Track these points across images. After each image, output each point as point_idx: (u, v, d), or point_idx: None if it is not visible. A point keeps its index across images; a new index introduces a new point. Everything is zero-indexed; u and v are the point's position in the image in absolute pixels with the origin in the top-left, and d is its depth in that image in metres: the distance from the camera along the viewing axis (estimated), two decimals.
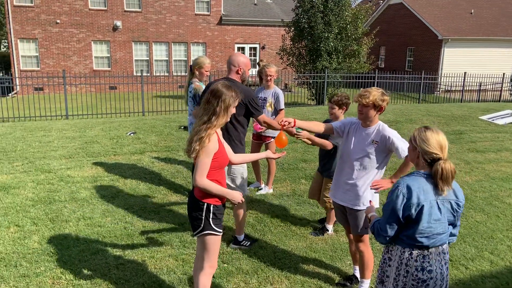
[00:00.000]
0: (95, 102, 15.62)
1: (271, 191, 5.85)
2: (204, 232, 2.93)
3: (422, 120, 10.39)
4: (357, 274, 3.80)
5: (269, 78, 5.51)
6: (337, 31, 17.30)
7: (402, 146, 3.24)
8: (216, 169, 2.90)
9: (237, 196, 2.98)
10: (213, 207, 2.93)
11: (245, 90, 3.99)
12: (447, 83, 20.29)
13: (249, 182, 6.14)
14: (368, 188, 3.39)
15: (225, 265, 4.01)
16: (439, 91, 21.64)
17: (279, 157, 3.38)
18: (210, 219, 2.92)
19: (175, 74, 23.73)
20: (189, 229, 4.64)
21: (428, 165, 2.44)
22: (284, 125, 3.40)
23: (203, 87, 4.82)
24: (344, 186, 3.47)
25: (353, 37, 17.99)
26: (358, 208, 3.42)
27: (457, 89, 19.51)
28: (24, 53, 22.19)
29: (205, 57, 5.05)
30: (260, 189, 5.85)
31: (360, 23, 18.40)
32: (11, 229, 4.47)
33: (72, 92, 20.11)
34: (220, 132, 3.03)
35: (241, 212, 4.29)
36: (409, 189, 2.39)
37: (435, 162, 2.40)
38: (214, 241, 2.97)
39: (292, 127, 3.44)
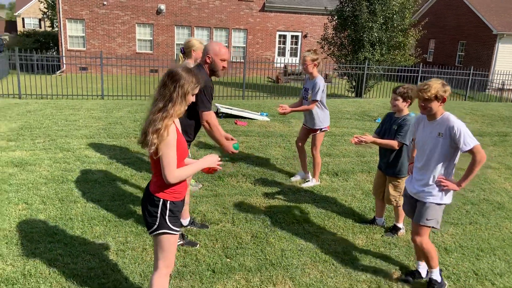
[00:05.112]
0: (133, 84, 15.81)
1: (318, 183, 5.64)
2: (160, 231, 2.65)
3: (464, 119, 9.70)
4: (421, 270, 3.70)
5: (304, 66, 5.28)
6: (382, 21, 16.52)
7: (466, 138, 3.10)
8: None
9: (213, 159, 2.74)
10: (169, 203, 2.64)
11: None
12: (499, 81, 19.00)
13: (293, 173, 5.93)
14: (441, 184, 3.30)
15: (228, 260, 3.81)
16: (490, 89, 20.34)
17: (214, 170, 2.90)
18: (166, 217, 2.63)
19: None
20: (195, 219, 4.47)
21: None
22: (357, 143, 3.97)
23: None
24: (416, 181, 3.46)
25: (399, 28, 17.12)
26: (428, 201, 3.36)
27: (510, 88, 18.24)
28: (72, 33, 22.82)
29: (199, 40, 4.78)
30: (308, 181, 5.63)
31: (408, 13, 17.46)
32: (20, 206, 4.47)
33: (113, 73, 20.53)
34: (177, 121, 2.70)
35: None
36: None
37: None
38: (171, 241, 2.69)
39: (366, 142, 3.99)
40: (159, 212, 2.61)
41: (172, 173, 2.51)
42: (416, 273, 3.71)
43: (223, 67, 3.83)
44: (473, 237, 4.50)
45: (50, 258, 3.62)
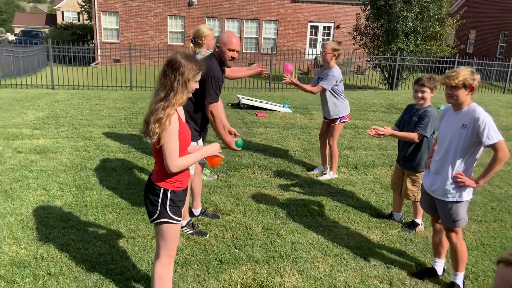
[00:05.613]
0: None
1: (336, 175, 5.53)
2: (160, 220, 2.64)
3: (499, 112, 9.25)
4: (437, 267, 3.56)
5: (323, 54, 5.14)
6: (417, 10, 15.94)
7: (491, 132, 2.93)
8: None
9: (215, 148, 2.70)
10: (170, 192, 2.62)
11: (207, 67, 3.57)
12: None
13: (314, 166, 5.85)
14: (457, 179, 3.13)
15: (237, 250, 3.77)
16: None
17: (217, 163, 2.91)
18: (167, 206, 2.61)
19: (245, 51, 23.63)
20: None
21: None
22: (375, 135, 3.71)
23: None
24: (433, 175, 3.30)
25: (436, 17, 16.46)
26: (446, 199, 3.20)
27: None
28: (106, 25, 23.36)
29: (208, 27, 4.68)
30: (325, 174, 5.54)
31: (445, 2, 16.74)
32: (38, 192, 4.60)
33: (145, 65, 20.86)
34: (181, 110, 2.66)
35: (197, 182, 4.14)
36: None
37: None
38: (172, 230, 2.67)
39: (384, 135, 3.75)
40: (159, 201, 2.61)
41: (174, 162, 2.50)
42: (431, 270, 3.57)
43: (232, 57, 3.77)
44: (497, 235, 4.28)
45: (62, 243, 3.70)
